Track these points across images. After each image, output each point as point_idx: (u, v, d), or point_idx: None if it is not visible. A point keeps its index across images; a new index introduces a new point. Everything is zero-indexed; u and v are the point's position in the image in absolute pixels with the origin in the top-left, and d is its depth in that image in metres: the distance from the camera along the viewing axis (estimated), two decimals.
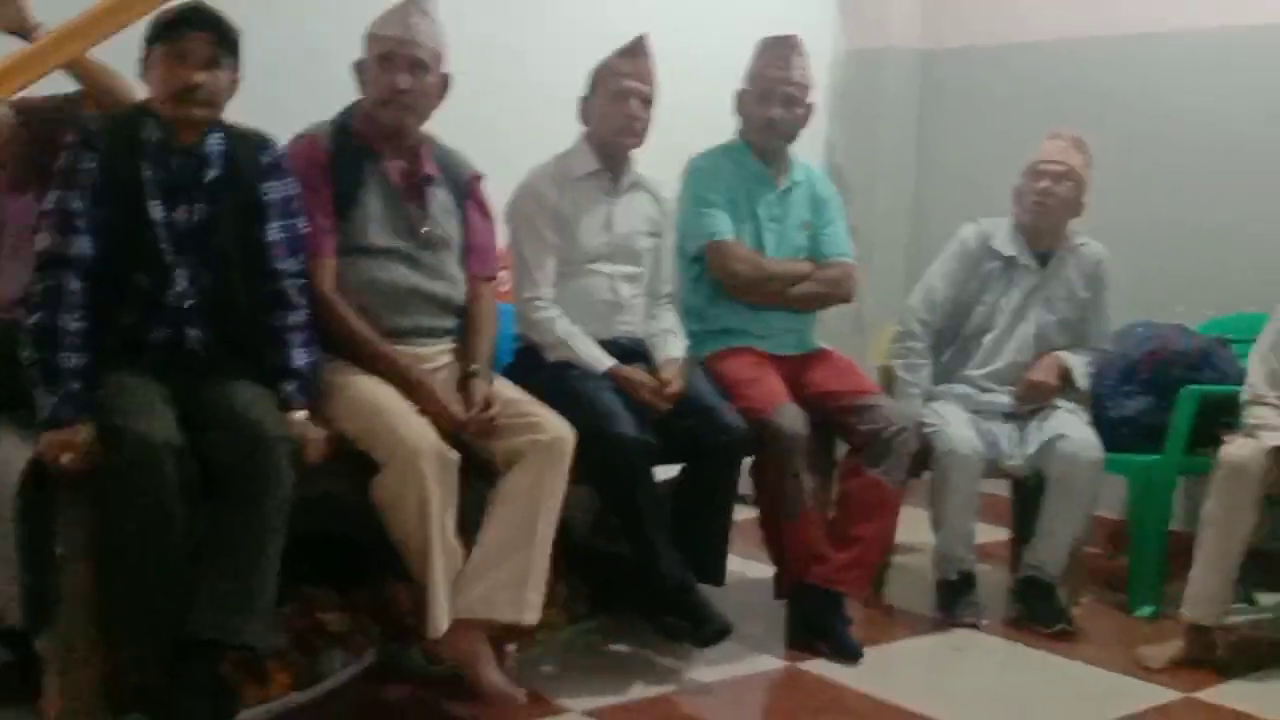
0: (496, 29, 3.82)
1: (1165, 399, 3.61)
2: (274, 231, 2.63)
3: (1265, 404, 3.24)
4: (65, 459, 2.32)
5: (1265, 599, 3.77)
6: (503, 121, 3.73)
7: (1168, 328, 3.82)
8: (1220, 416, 3.49)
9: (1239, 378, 3.43)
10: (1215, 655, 3.21)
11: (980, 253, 3.67)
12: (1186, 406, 3.53)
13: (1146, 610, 3.57)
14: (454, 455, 2.61)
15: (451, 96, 2.90)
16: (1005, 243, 3.65)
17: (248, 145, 2.63)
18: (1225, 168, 4.07)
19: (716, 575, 3.14)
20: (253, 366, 2.60)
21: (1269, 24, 3.95)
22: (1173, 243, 4.16)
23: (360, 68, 2.85)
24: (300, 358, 2.63)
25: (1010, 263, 3.64)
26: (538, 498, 2.70)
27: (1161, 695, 3.02)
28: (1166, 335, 3.78)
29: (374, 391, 2.66)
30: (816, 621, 3.21)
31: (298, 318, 2.65)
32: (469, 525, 2.69)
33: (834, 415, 3.36)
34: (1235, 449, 3.19)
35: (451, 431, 2.67)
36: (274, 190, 2.64)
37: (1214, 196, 4.09)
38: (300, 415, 2.58)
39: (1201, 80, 4.13)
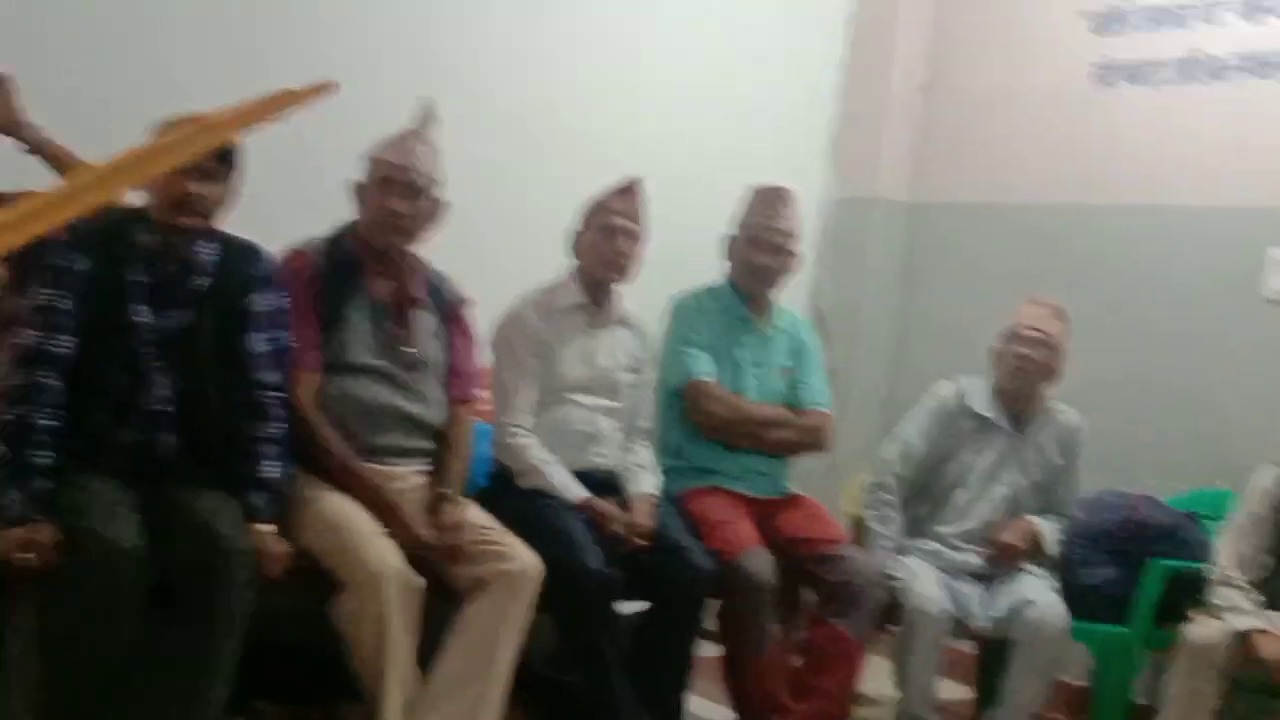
0: (498, 156, 3.88)
1: (1133, 570, 3.60)
2: (259, 343, 2.65)
3: (1233, 586, 3.24)
4: (26, 557, 2.29)
5: None
6: (496, 248, 3.78)
7: (1137, 498, 3.84)
8: (1187, 593, 3.49)
9: (1206, 554, 3.44)
10: None
11: (957, 411, 3.70)
12: (1154, 580, 3.53)
13: None
14: (418, 580, 2.59)
15: (447, 219, 2.95)
16: (982, 403, 3.68)
17: (240, 255, 2.65)
18: (1198, 342, 4.13)
19: (672, 717, 3.09)
20: (222, 476, 2.59)
21: (1246, 207, 4.06)
22: (1144, 414, 4.19)
23: (359, 189, 2.89)
24: (272, 470, 2.62)
25: (986, 423, 3.67)
26: (498, 629, 2.67)
27: None
28: (1136, 505, 3.79)
29: (343, 510, 2.65)
30: None
31: (274, 430, 2.65)
32: (430, 646, 2.66)
33: (803, 563, 3.35)
34: (1200, 629, 3.18)
35: (418, 555, 2.65)
36: (262, 302, 2.66)
37: (1186, 370, 4.14)
38: (266, 528, 2.56)
39: (1179, 255, 4.21)
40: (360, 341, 2.81)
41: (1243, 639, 3.12)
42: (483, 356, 3.17)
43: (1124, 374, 4.25)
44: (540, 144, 4.06)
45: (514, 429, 3.11)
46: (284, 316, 2.70)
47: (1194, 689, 3.14)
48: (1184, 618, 3.37)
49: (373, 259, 2.86)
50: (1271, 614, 3.19)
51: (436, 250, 3.00)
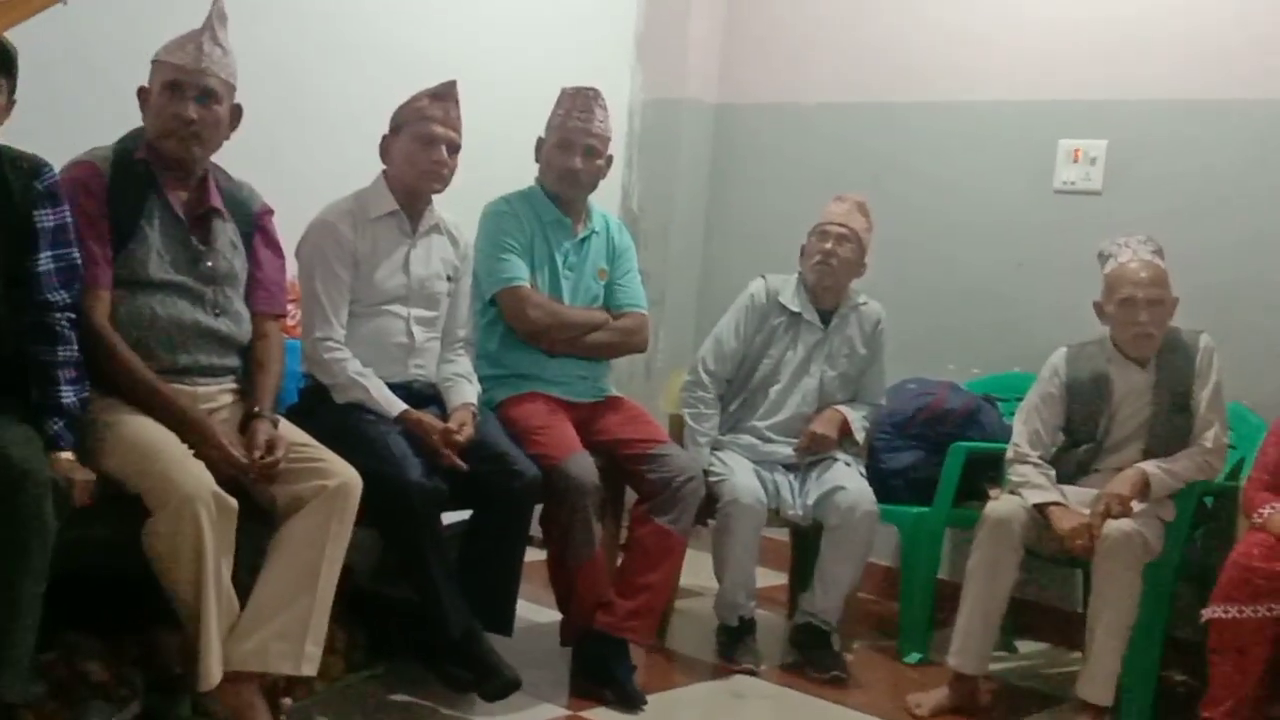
0: (296, 56, 3.72)
1: (936, 453, 3.78)
2: (45, 261, 2.49)
3: (1028, 462, 3.43)
4: None
5: (1025, 647, 3.97)
6: (297, 154, 3.64)
7: (938, 385, 4.01)
8: (986, 472, 3.68)
9: (1004, 435, 3.62)
10: (978, 703, 3.37)
11: (768, 307, 3.78)
12: (954, 462, 3.71)
13: (915, 657, 3.72)
14: (232, 502, 2.51)
15: (243, 124, 2.82)
16: (792, 299, 3.77)
17: (20, 170, 2.48)
18: (995, 233, 4.31)
19: (505, 625, 3.11)
20: (17, 403, 2.45)
21: (1032, 100, 4.21)
22: (944, 303, 4.37)
23: (144, 94, 2.73)
24: (68, 395, 2.49)
25: (796, 318, 3.76)
26: (321, 545, 2.63)
27: None
28: (937, 392, 3.95)
29: (148, 432, 2.54)
30: (601, 669, 3.22)
31: (67, 353, 2.51)
32: (244, 572, 2.60)
33: (624, 463, 3.39)
34: (998, 505, 3.36)
35: (231, 476, 2.57)
36: (47, 218, 2.50)
37: (984, 260, 4.32)
38: (67, 455, 2.45)
39: (977, 150, 4.36)
40: (157, 256, 2.67)
41: (1038, 512, 3.31)
42: (289, 269, 3.07)
43: (925, 266, 4.40)
44: (343, 45, 3.91)
45: (327, 343, 3.03)
46: (71, 233, 2.54)
47: (994, 562, 3.31)
48: (984, 496, 3.55)
49: (165, 168, 2.72)
50: (1065, 487, 3.38)
51: (234, 158, 2.87)
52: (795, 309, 3.76)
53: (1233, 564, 3.07)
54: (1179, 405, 3.38)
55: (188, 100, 2.67)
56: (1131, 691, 3.29)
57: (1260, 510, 3.15)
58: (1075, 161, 4.15)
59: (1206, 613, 3.07)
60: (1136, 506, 3.25)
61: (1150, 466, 3.31)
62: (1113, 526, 3.20)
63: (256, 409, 2.72)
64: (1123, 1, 4.07)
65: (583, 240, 3.49)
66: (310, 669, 2.63)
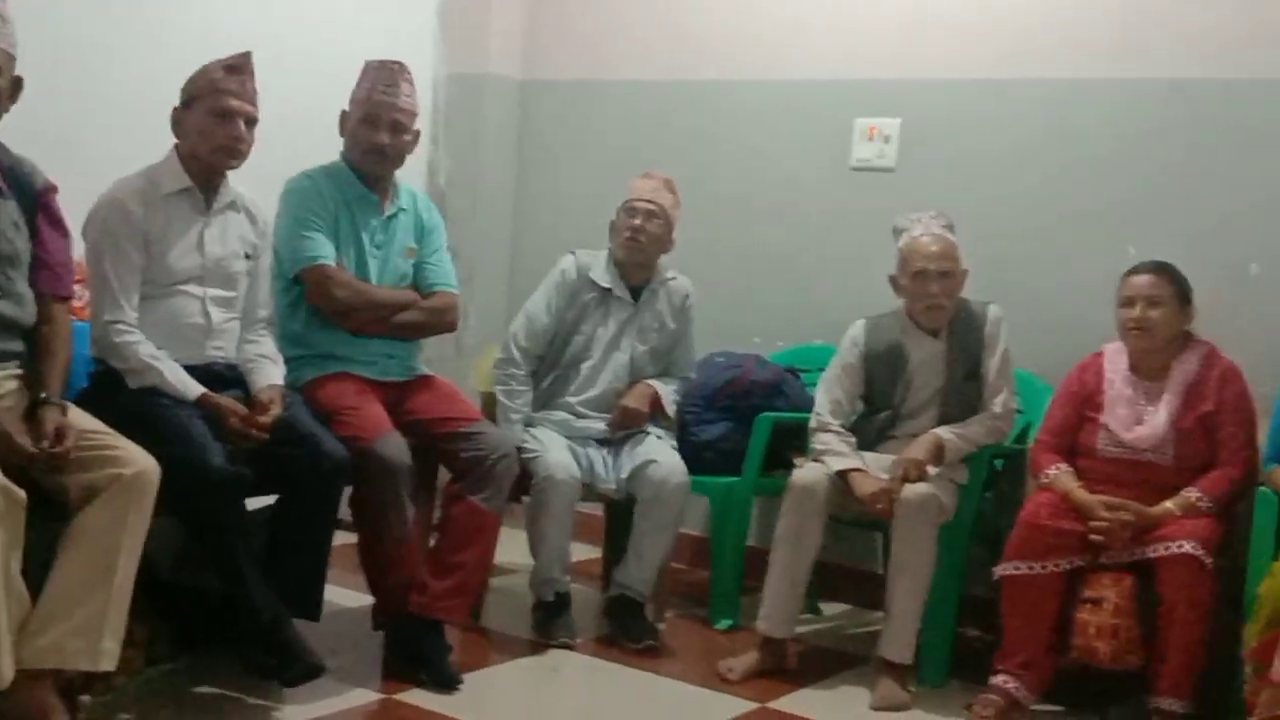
0: (82, 25, 3.54)
1: (743, 424, 3.87)
2: None
3: (830, 431, 3.54)
4: None
5: (830, 609, 4.11)
6: (83, 128, 3.48)
7: (745, 358, 4.10)
8: (791, 441, 3.79)
9: (808, 405, 3.73)
10: (787, 665, 3.47)
11: (579, 283, 3.79)
12: (761, 432, 3.80)
13: (726, 623, 3.81)
14: (20, 493, 2.39)
15: (25, 97, 2.67)
16: (602, 275, 3.79)
17: None
18: (795, 210, 4.42)
19: (312, 610, 3.05)
20: None
21: (829, 79, 4.33)
22: (749, 277, 4.47)
23: None
24: None
25: (606, 294, 3.79)
26: (118, 536, 2.53)
27: (739, 706, 3.22)
28: (744, 365, 4.05)
29: None
30: (415, 650, 3.19)
31: None
32: (35, 566, 2.48)
33: (436, 442, 3.36)
34: (803, 472, 3.46)
35: (17, 466, 2.44)
36: None
37: (786, 236, 4.43)
38: None
39: (775, 127, 4.46)
40: None
41: (841, 479, 3.42)
42: (75, 248, 2.93)
43: (730, 242, 4.49)
44: (133, 14, 3.74)
45: (119, 326, 2.90)
46: None
47: (799, 528, 3.42)
48: (790, 464, 3.66)
49: None
50: (865, 454, 3.51)
51: (15, 132, 2.71)
52: (605, 285, 3.79)
53: (1022, 523, 3.24)
54: (970, 373, 3.54)
55: None
56: (930, 648, 3.44)
57: (1046, 471, 3.34)
58: (870, 139, 4.29)
59: (998, 570, 3.24)
60: (932, 470, 3.40)
61: (944, 432, 3.46)
62: (910, 490, 3.33)
63: (43, 395, 2.59)
64: None
65: (390, 218, 3.43)
66: (109, 664, 2.54)
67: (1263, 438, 3.24)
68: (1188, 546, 3.02)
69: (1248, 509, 3.12)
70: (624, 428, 3.74)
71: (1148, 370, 3.33)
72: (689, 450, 3.81)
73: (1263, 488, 3.09)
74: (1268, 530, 3.02)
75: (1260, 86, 3.69)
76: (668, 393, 3.80)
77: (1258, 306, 3.65)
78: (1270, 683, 2.78)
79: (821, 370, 3.73)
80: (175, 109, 3.04)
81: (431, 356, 3.69)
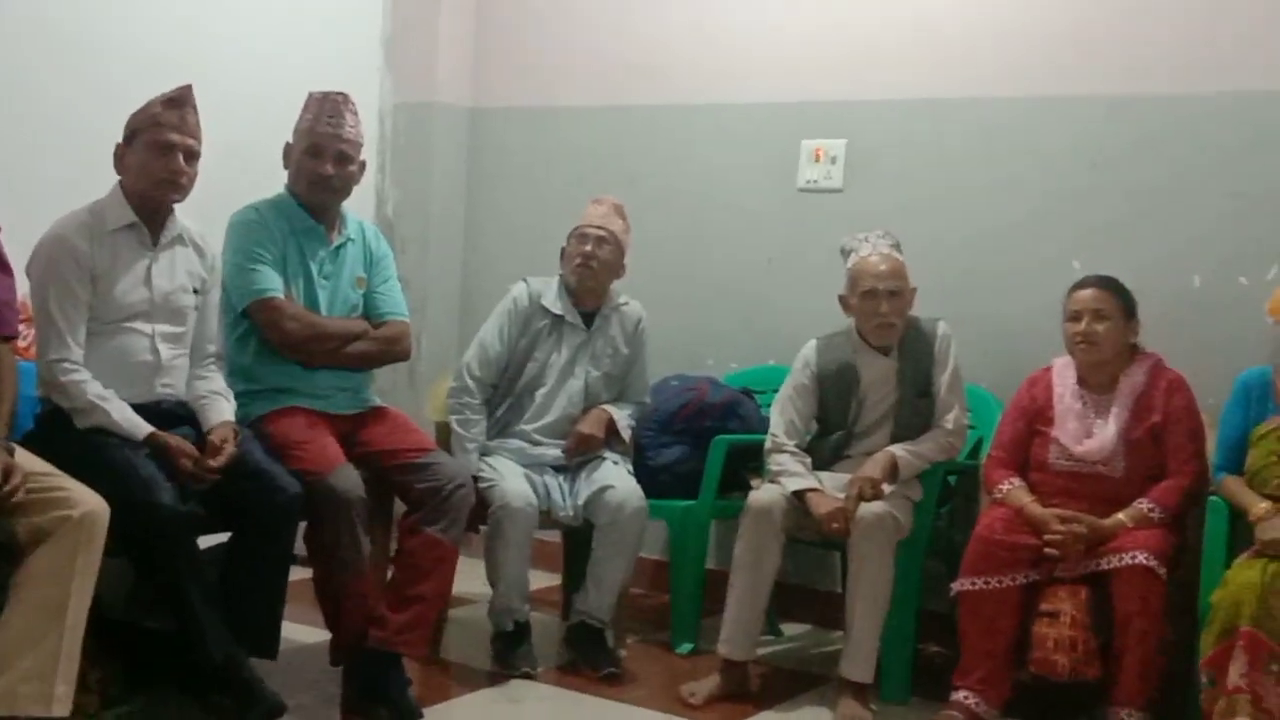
0: (25, 58, 3.50)
1: (699, 448, 3.87)
2: None
3: (785, 451, 3.55)
4: None
5: (790, 630, 4.12)
6: (27, 163, 3.44)
7: (699, 380, 4.11)
8: (747, 462, 3.80)
9: (763, 427, 3.74)
10: (749, 687, 3.47)
11: (531, 310, 3.79)
12: (717, 455, 3.81)
13: (686, 647, 3.80)
14: None
15: None
16: (554, 301, 3.79)
17: None
18: (745, 232, 4.44)
19: (269, 647, 3.01)
20: None
21: (775, 102, 4.37)
22: (701, 300, 4.48)
23: None
24: None
25: (559, 321, 3.79)
26: (68, 579, 2.49)
27: None
28: (698, 388, 4.05)
29: None
30: (374, 686, 3.15)
31: None
32: None
33: (391, 474, 3.33)
34: (760, 494, 3.47)
35: None
36: None
37: (736, 258, 4.44)
38: None
39: (723, 150, 4.48)
40: None
41: (797, 499, 3.43)
42: (19, 286, 2.89)
43: (681, 265, 4.50)
44: (76, 47, 3.71)
45: (65, 364, 2.86)
46: None
47: (758, 549, 3.42)
48: (746, 486, 3.66)
49: None
50: (820, 474, 3.53)
51: None
52: (558, 311, 3.78)
53: (977, 538, 3.27)
54: (921, 390, 3.57)
55: None
56: (890, 666, 3.45)
57: (999, 486, 3.37)
58: (817, 161, 4.32)
59: (955, 586, 3.26)
60: (887, 488, 3.42)
61: (898, 450, 3.48)
62: (866, 509, 3.35)
63: None
64: (856, 8, 4.26)
65: (338, 248, 3.40)
66: (62, 710, 2.49)
67: (1211, 447, 3.28)
68: (1141, 557, 3.05)
69: (1199, 518, 3.16)
70: (580, 454, 3.73)
71: (1096, 383, 3.37)
72: (645, 474, 3.80)
73: (1213, 496, 3.14)
74: (1219, 539, 3.06)
75: (1202, 103, 3.76)
76: (623, 417, 3.80)
77: (1202, 318, 3.70)
78: (1226, 691, 2.81)
79: (775, 391, 3.74)
80: (118, 145, 3.02)
81: (384, 387, 3.67)
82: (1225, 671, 2.82)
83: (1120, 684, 3.08)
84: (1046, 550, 3.18)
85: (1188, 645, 3.00)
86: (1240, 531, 3.05)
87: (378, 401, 3.50)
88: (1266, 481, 3.06)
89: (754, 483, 3.64)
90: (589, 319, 3.82)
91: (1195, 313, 3.72)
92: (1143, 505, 3.21)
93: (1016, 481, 3.35)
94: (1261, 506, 3.00)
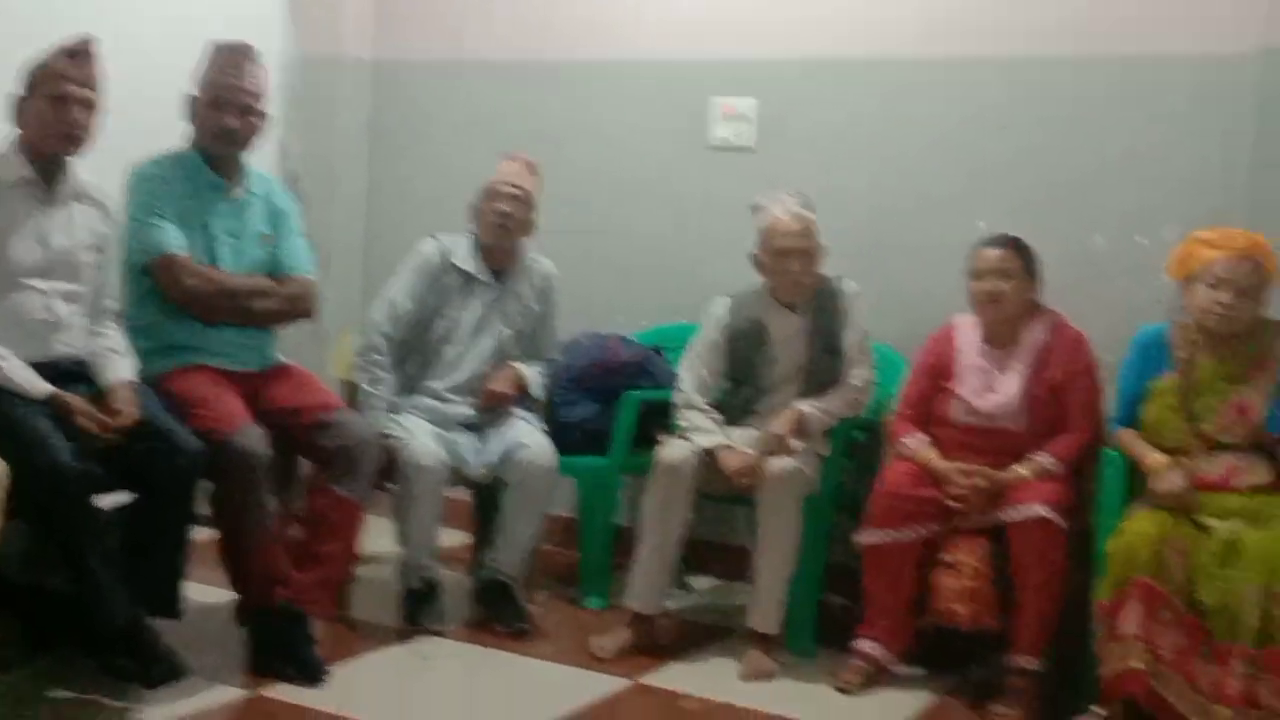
0: None
1: (610, 405, 3.88)
2: None
3: (695, 408, 3.58)
4: None
5: (699, 584, 4.16)
6: None
7: (610, 338, 4.10)
8: (658, 419, 3.81)
9: (673, 384, 3.75)
10: (658, 641, 3.51)
11: (440, 268, 3.75)
12: (628, 411, 3.82)
13: (596, 602, 3.82)
14: None
15: None
16: (464, 259, 3.76)
17: None
18: (656, 190, 4.43)
19: (172, 608, 2.98)
20: None
21: (686, 59, 4.35)
22: (612, 258, 4.47)
23: None
24: None
25: (469, 278, 3.76)
26: None
27: (612, 684, 3.24)
28: (609, 345, 4.05)
29: None
30: (280, 645, 3.12)
31: None
32: None
33: (297, 432, 3.29)
34: (670, 450, 3.49)
35: None
36: None
37: (648, 216, 4.44)
38: None
39: (634, 107, 4.46)
40: None
41: (707, 455, 3.46)
42: None
43: (591, 222, 4.48)
44: None
45: None
46: None
47: (667, 505, 3.45)
48: (656, 443, 3.68)
49: None
50: (730, 430, 3.55)
51: None
52: (468, 269, 3.75)
53: (881, 492, 3.33)
54: (830, 347, 3.61)
55: None
56: (796, 618, 3.51)
57: (904, 441, 3.43)
58: (728, 119, 4.32)
59: (860, 539, 3.32)
60: (795, 444, 3.46)
61: (806, 406, 3.52)
62: (775, 464, 3.39)
63: None
64: None
65: (241, 203, 3.33)
66: None
67: (1108, 403, 3.37)
68: (1039, 509, 3.13)
69: (1096, 471, 3.24)
70: (490, 411, 3.72)
71: (998, 340, 3.44)
72: (556, 432, 3.80)
73: (1110, 450, 3.22)
74: (1115, 490, 3.15)
75: (1104, 66, 3.83)
76: (534, 375, 3.79)
77: (1101, 277, 3.79)
78: (1120, 638, 2.91)
79: (686, 348, 3.75)
80: (17, 98, 2.92)
81: (288, 344, 3.61)
82: (1120, 619, 2.91)
83: (1019, 632, 3.17)
84: (948, 503, 3.25)
85: (1084, 594, 3.09)
86: (1135, 484, 3.14)
87: (282, 359, 3.45)
88: (1161, 435, 3.15)
89: (664, 439, 3.66)
90: (499, 276, 3.79)
91: (1095, 271, 3.81)
92: (1042, 459, 3.28)
93: (920, 437, 3.42)
94: (1156, 459, 3.09)
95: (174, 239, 3.18)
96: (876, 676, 3.31)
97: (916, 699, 3.26)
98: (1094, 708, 3.00)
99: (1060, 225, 3.81)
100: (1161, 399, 3.17)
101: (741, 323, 3.64)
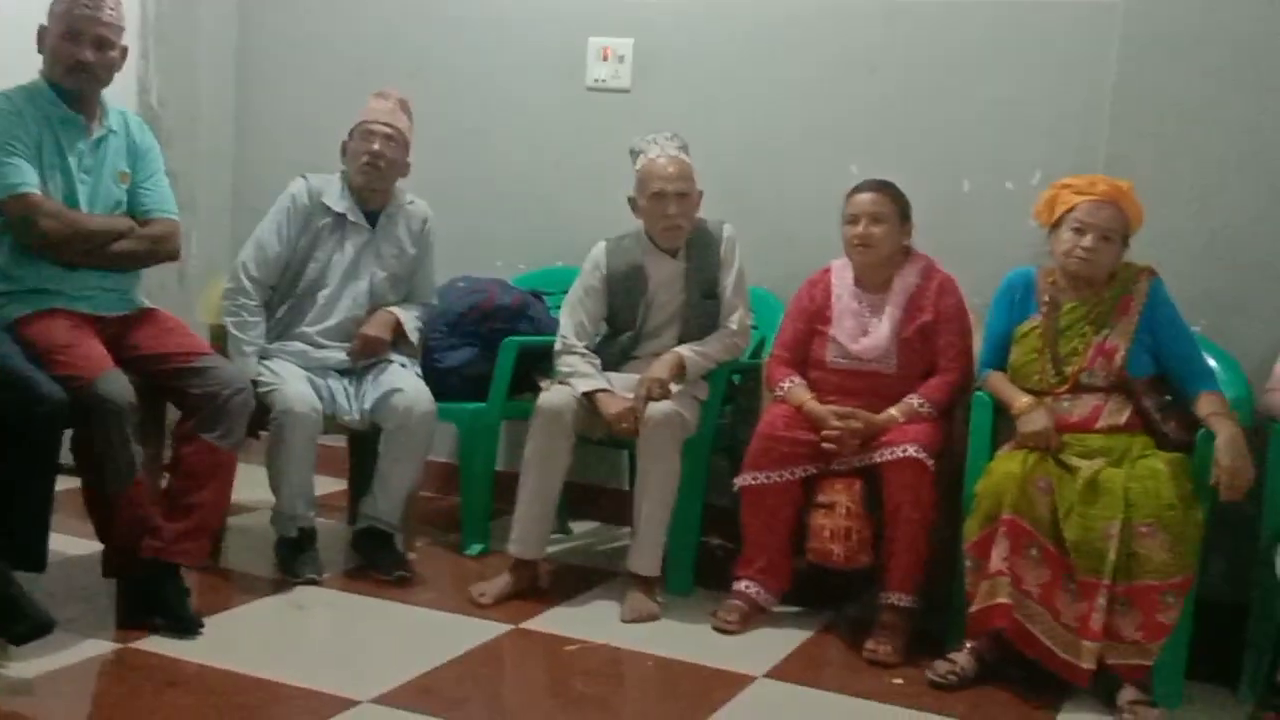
0: None
1: (489, 350, 3.84)
2: None
3: (574, 353, 3.56)
4: None
5: (580, 528, 4.18)
6: None
7: (488, 282, 4.06)
8: (537, 364, 3.79)
9: (553, 329, 3.73)
10: (539, 585, 3.51)
11: (311, 209, 3.66)
12: (507, 357, 3.78)
13: (477, 548, 3.81)
14: None
15: None
16: (336, 200, 3.66)
17: None
18: (533, 131, 4.38)
19: (36, 561, 2.86)
20: None
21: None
22: (489, 200, 4.41)
23: None
24: None
25: (341, 220, 3.67)
26: None
27: (493, 629, 3.24)
28: (487, 289, 4.01)
29: None
30: (151, 597, 3.05)
31: None
32: None
33: (164, 379, 3.19)
34: (550, 395, 3.48)
35: None
36: None
37: (524, 157, 4.38)
38: None
39: (508, 46, 4.38)
40: None
41: (587, 400, 3.45)
42: None
43: (468, 164, 4.42)
44: None
45: None
46: None
47: (548, 450, 3.44)
48: (536, 388, 3.66)
49: None
50: (610, 374, 3.55)
51: None
52: (340, 210, 3.66)
53: (759, 435, 3.36)
54: (708, 291, 3.62)
55: None
56: (676, 559, 3.54)
57: (781, 384, 3.47)
58: (605, 60, 4.28)
59: (738, 481, 3.36)
60: (674, 388, 3.47)
61: (685, 350, 3.53)
62: (654, 408, 3.40)
63: None
64: None
65: (99, 140, 3.19)
66: None
67: (978, 345, 3.44)
68: (911, 450, 3.20)
69: (965, 412, 3.33)
70: (365, 357, 3.65)
71: (871, 284, 3.49)
72: (434, 377, 3.75)
73: (978, 392, 3.30)
74: (983, 432, 3.24)
75: (976, 7, 3.87)
76: (410, 319, 3.73)
77: (970, 221, 3.87)
78: (988, 575, 3.00)
79: (565, 293, 3.73)
80: None
81: (152, 288, 3.49)
82: (988, 556, 3.01)
83: (891, 570, 3.25)
84: (824, 445, 3.30)
85: (953, 532, 3.17)
86: (1003, 425, 3.23)
87: (146, 303, 3.33)
88: (1028, 377, 3.23)
89: (543, 384, 3.64)
90: (373, 218, 3.71)
91: (964, 215, 3.88)
92: (913, 401, 3.35)
93: (797, 379, 3.45)
94: (1023, 401, 3.17)
95: (27, 177, 3.02)
96: (755, 615, 3.36)
97: (794, 636, 3.32)
98: (964, 642, 3.09)
99: (931, 170, 3.86)
100: (1027, 342, 3.25)
101: (620, 267, 3.62)
